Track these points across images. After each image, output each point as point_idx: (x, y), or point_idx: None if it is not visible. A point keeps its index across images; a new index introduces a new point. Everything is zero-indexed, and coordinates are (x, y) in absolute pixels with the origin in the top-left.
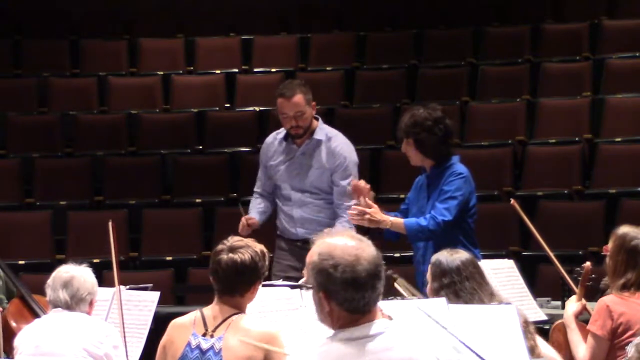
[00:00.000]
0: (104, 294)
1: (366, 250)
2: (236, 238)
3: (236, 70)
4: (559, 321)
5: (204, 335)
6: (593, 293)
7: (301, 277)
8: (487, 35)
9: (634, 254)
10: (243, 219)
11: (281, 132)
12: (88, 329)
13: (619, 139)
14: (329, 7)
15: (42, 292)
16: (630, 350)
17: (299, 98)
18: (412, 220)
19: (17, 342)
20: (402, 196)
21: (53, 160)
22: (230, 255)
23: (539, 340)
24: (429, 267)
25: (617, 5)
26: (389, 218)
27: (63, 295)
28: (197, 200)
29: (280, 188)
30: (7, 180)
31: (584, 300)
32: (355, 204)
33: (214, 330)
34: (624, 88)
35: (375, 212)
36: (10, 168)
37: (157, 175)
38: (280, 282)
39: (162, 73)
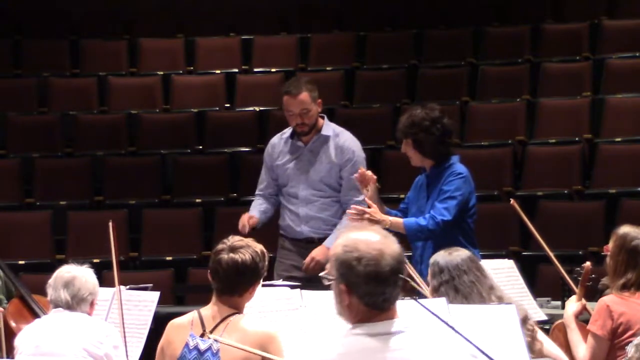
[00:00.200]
0: (104, 294)
1: (391, 246)
2: (237, 238)
3: (236, 70)
4: (559, 321)
5: (202, 335)
6: (593, 293)
7: (304, 277)
8: (487, 35)
9: (634, 254)
10: (243, 217)
11: (286, 132)
12: (88, 329)
13: (619, 139)
14: (329, 7)
15: (42, 292)
16: (630, 350)
17: (304, 96)
18: (411, 220)
19: (17, 342)
20: (402, 196)
21: (53, 160)
22: (231, 255)
23: (542, 336)
24: (429, 268)
25: (617, 5)
26: (389, 218)
27: (64, 295)
28: (197, 200)
29: (287, 186)
30: (7, 180)
31: (584, 300)
32: (363, 199)
33: (211, 331)
34: (624, 88)
35: (375, 212)
36: (10, 168)
37: (157, 175)
38: (280, 282)
39: (162, 73)
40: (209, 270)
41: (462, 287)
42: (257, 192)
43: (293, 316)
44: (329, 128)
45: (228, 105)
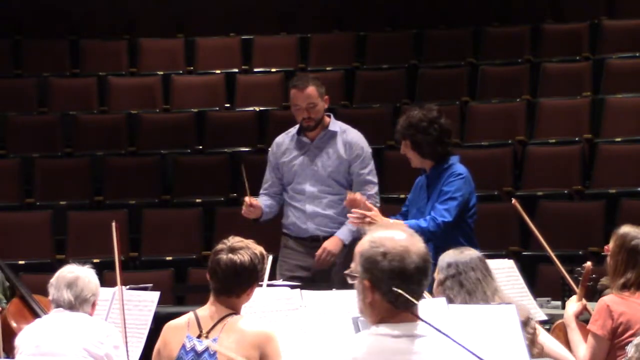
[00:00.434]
0: (104, 294)
1: (417, 244)
2: (237, 239)
3: (236, 70)
4: (559, 321)
5: (199, 337)
6: (593, 293)
7: (309, 277)
8: (487, 35)
9: (634, 254)
10: (246, 199)
11: (292, 130)
12: (89, 329)
13: (619, 139)
14: (329, 7)
15: (42, 292)
16: (630, 350)
17: (311, 90)
18: (412, 222)
19: (18, 341)
20: (402, 196)
21: (53, 160)
22: (230, 255)
23: (545, 337)
24: (437, 264)
25: (617, 5)
26: (390, 220)
27: (67, 295)
28: (197, 200)
29: (293, 183)
30: (7, 180)
31: (584, 300)
32: (376, 193)
33: (208, 332)
34: (624, 88)
35: (376, 215)
36: (10, 168)
37: (157, 175)
38: (280, 282)
39: (162, 73)
40: (207, 270)
41: (468, 282)
42: (261, 192)
43: (293, 316)
44: (335, 125)
45: (228, 105)
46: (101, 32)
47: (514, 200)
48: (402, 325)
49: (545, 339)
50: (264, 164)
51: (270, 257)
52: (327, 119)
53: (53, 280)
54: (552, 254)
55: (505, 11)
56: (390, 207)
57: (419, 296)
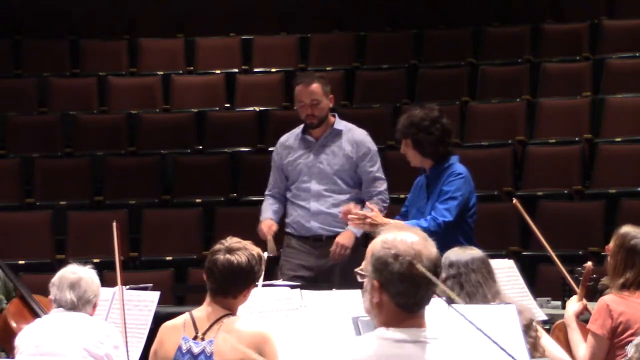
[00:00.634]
0: (104, 294)
1: (429, 249)
2: (234, 239)
3: (236, 70)
4: (560, 321)
5: (195, 338)
6: (593, 293)
7: (311, 277)
8: (487, 35)
9: (632, 253)
10: (262, 227)
11: (297, 130)
12: (89, 329)
13: (619, 139)
14: (329, 7)
15: (42, 292)
16: (630, 350)
17: (316, 87)
18: (412, 222)
19: (18, 341)
20: (402, 196)
21: (53, 160)
22: (227, 256)
23: (546, 340)
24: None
25: (617, 5)
26: (390, 221)
27: (70, 295)
28: (197, 200)
29: (298, 181)
30: (7, 180)
31: (584, 300)
32: (385, 189)
33: (204, 333)
34: (624, 88)
35: (377, 216)
36: (10, 168)
37: (157, 175)
38: (280, 281)
39: (162, 73)
40: (204, 270)
41: (468, 285)
42: (266, 193)
43: (293, 316)
44: (340, 124)
45: (228, 105)
46: (101, 32)
47: (515, 200)
48: (408, 330)
49: (546, 341)
50: (264, 164)
51: (265, 254)
52: (331, 118)
53: (55, 280)
54: (553, 254)
55: (505, 11)
56: (390, 207)
57: (427, 301)
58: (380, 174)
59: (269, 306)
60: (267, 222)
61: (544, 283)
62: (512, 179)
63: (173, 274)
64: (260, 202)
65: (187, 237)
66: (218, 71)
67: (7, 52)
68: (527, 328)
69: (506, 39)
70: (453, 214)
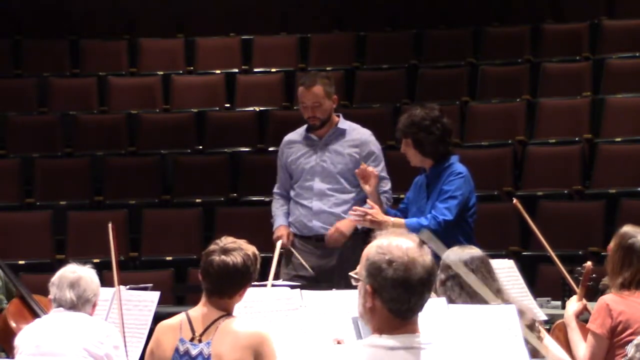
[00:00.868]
0: (104, 294)
1: (424, 256)
2: (229, 239)
3: (236, 70)
4: (560, 321)
5: (192, 340)
6: (593, 293)
7: (312, 276)
8: (487, 35)
9: (629, 253)
10: (281, 237)
11: (301, 129)
12: (89, 329)
13: (619, 139)
14: (329, 7)
15: (42, 292)
16: (630, 350)
17: (318, 89)
18: (413, 220)
19: (18, 341)
20: (402, 196)
21: (53, 160)
22: (223, 257)
23: (548, 341)
24: (440, 262)
25: (617, 5)
26: (390, 219)
27: (70, 295)
28: (197, 200)
29: (301, 180)
30: (7, 180)
31: (584, 300)
32: (389, 189)
33: (201, 335)
34: (624, 88)
35: (377, 213)
36: (10, 168)
37: (157, 175)
38: (280, 281)
39: (162, 73)
40: (200, 271)
41: (468, 285)
42: (274, 191)
43: (293, 316)
44: (345, 123)
45: (228, 105)
46: (101, 32)
47: (515, 200)
48: (400, 336)
49: (547, 342)
50: (264, 164)
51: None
52: (336, 117)
53: (55, 279)
54: (553, 254)
55: (505, 11)
56: (392, 207)
57: (420, 308)
58: (385, 174)
59: (269, 306)
60: (282, 229)
61: (544, 283)
62: (512, 179)
63: (173, 274)
64: (260, 202)
65: (187, 237)
66: (218, 71)
67: (7, 52)
68: (530, 328)
69: (506, 39)
70: (453, 213)
